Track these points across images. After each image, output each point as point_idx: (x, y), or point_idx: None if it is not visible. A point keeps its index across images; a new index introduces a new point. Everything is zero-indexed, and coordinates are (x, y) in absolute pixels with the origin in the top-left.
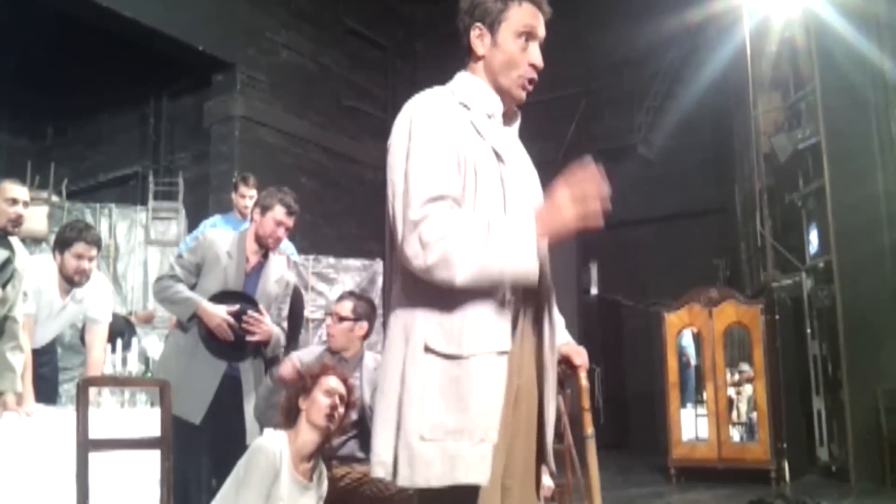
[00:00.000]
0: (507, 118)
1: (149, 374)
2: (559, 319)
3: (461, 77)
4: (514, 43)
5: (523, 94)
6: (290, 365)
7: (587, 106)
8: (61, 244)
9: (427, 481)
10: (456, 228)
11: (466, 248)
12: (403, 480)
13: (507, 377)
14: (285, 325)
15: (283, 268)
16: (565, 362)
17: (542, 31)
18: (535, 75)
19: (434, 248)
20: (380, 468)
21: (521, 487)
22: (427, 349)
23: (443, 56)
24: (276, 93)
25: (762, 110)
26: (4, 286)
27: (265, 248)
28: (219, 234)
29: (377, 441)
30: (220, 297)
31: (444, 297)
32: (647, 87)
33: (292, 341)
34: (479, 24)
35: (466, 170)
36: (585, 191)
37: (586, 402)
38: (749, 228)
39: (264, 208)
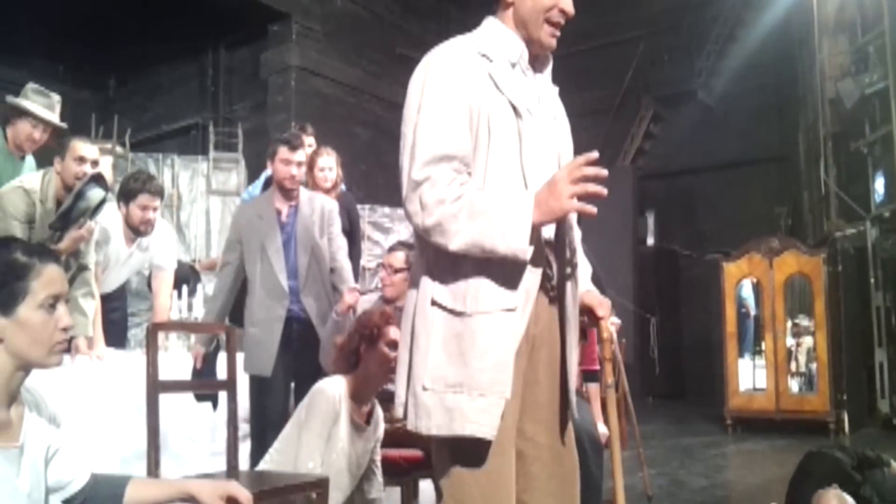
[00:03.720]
0: (539, 64)
1: None
2: (583, 269)
3: (486, 24)
4: None
5: (553, 41)
6: (346, 304)
7: (645, 51)
8: (126, 195)
9: (428, 429)
10: (455, 195)
11: (462, 218)
12: (410, 425)
13: (522, 329)
14: (340, 241)
15: (313, 197)
16: (588, 313)
17: None
18: (563, 20)
19: (433, 212)
20: (401, 409)
21: (548, 432)
22: (433, 303)
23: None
24: (330, 42)
25: (827, 54)
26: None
27: (290, 191)
28: (244, 205)
29: (398, 384)
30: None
31: (452, 255)
32: (709, 31)
33: (353, 248)
34: None
35: (479, 125)
36: (583, 174)
37: (608, 353)
38: (812, 176)
39: (271, 155)
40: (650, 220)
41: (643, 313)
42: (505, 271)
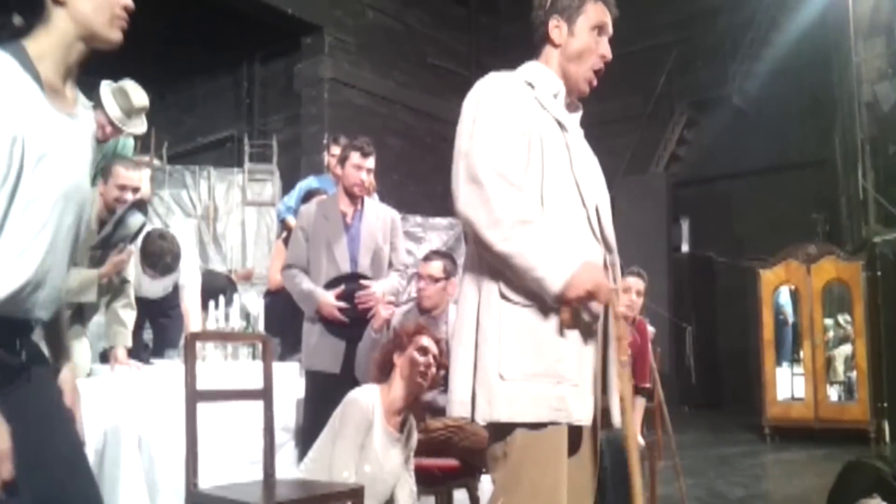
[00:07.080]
0: (570, 108)
1: (249, 329)
2: None
3: (528, 65)
4: (589, 35)
5: (587, 88)
6: (381, 318)
7: (678, 56)
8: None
9: (510, 416)
10: (524, 204)
11: (522, 229)
12: (482, 416)
13: (595, 326)
14: (403, 255)
15: (378, 205)
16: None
17: (610, 29)
18: (602, 67)
19: (498, 209)
20: (459, 407)
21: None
22: (502, 296)
23: (526, 11)
24: (362, 54)
25: (864, 57)
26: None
27: (356, 197)
28: (308, 206)
29: (455, 382)
30: (332, 283)
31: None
32: (742, 35)
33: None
34: (556, 15)
35: (532, 141)
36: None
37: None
38: (850, 181)
39: (342, 160)
40: (685, 226)
41: (678, 322)
42: None
